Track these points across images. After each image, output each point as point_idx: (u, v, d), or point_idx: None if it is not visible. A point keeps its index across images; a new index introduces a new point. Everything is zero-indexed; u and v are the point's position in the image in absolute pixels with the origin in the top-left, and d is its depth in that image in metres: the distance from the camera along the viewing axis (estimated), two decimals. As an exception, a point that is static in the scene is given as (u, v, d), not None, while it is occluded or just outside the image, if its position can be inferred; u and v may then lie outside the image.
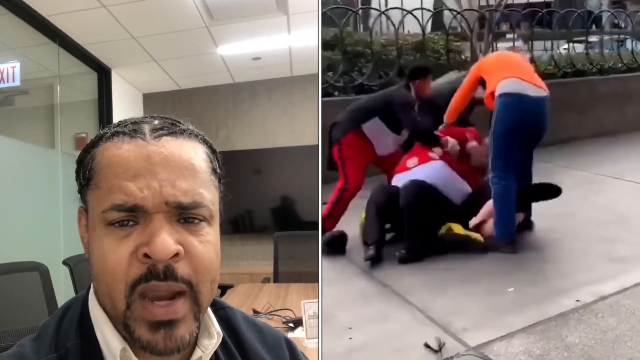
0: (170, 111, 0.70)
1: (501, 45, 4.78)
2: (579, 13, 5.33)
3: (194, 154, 0.64)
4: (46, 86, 4.08)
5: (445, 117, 3.10)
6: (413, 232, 2.77)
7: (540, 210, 2.97)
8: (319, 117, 2.46)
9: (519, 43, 4.81)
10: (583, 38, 5.29)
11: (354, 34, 4.51)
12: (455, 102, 3.06)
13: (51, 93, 4.03)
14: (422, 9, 4.35)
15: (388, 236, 2.93)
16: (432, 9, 4.58)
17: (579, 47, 5.27)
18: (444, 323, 2.18)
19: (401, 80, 3.23)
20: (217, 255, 0.64)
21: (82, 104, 4.47)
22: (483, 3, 5.07)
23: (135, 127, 0.64)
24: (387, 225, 2.92)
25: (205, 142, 0.68)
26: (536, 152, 2.94)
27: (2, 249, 2.94)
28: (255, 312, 2.46)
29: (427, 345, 2.02)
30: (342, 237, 2.94)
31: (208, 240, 0.62)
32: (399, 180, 2.93)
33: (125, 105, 4.77)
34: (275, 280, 3.46)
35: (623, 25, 5.73)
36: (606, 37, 5.51)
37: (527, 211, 2.96)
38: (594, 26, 5.71)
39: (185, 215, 0.61)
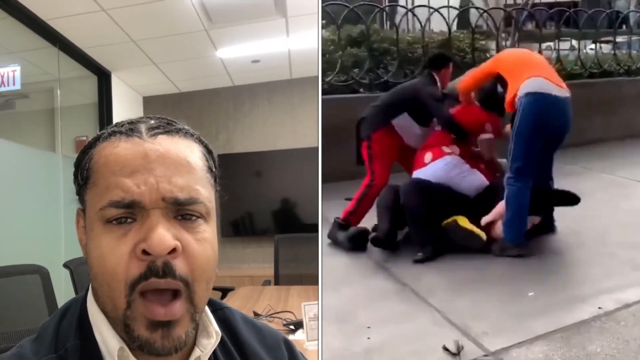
0: (170, 114, 0.71)
1: (525, 45, 4.73)
2: (607, 13, 5.31)
3: (189, 151, 0.65)
4: (46, 90, 4.09)
5: (457, 88, 3.01)
6: (416, 229, 2.79)
7: (563, 213, 2.90)
8: (319, 119, 2.46)
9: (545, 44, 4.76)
10: (610, 38, 5.26)
11: (381, 31, 4.52)
12: (465, 83, 2.98)
13: (51, 96, 4.04)
14: (448, 7, 4.36)
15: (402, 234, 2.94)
16: (458, 7, 4.58)
17: (606, 48, 5.24)
18: (463, 326, 2.14)
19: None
20: (214, 253, 0.64)
21: (82, 107, 4.48)
22: (510, 1, 5.06)
23: (131, 126, 0.64)
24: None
25: (200, 141, 0.68)
26: (561, 154, 2.86)
27: (3, 252, 2.95)
28: (256, 314, 2.46)
29: (445, 349, 1.98)
30: (364, 233, 2.94)
31: (205, 237, 0.63)
32: (417, 175, 2.96)
33: (125, 109, 4.77)
34: (276, 283, 3.45)
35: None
36: (634, 38, 5.48)
37: (542, 215, 2.88)
38: (623, 26, 5.67)
39: (182, 211, 0.61)
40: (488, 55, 4.69)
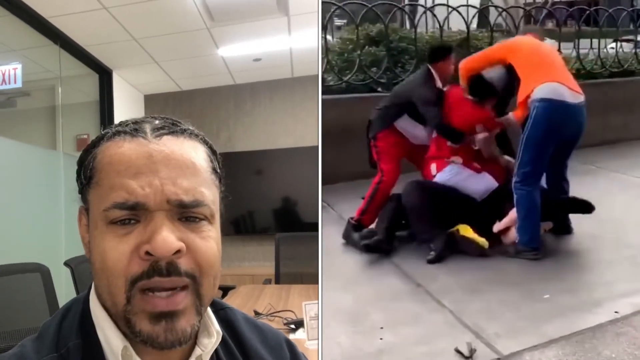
0: (171, 112, 0.70)
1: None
2: (628, 11, 5.26)
3: (194, 153, 0.64)
4: (48, 88, 4.09)
5: (460, 68, 2.95)
6: (420, 228, 2.80)
7: (580, 214, 2.85)
8: (319, 118, 2.46)
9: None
10: (631, 37, 5.20)
11: (399, 31, 4.51)
12: (469, 64, 2.92)
13: (53, 94, 4.04)
14: (467, 5, 4.32)
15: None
16: (477, 6, 4.55)
17: (627, 47, 5.19)
18: (476, 328, 2.12)
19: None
20: (219, 252, 0.64)
21: (83, 105, 4.48)
22: (529, 0, 5.01)
23: (136, 126, 0.64)
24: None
25: (205, 142, 0.68)
26: (580, 154, 2.79)
27: (4, 250, 2.95)
28: (257, 313, 2.46)
29: (457, 351, 1.97)
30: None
31: (210, 236, 0.63)
32: None
33: (126, 107, 4.77)
34: (277, 282, 3.46)
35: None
36: (656, 37, 5.40)
37: (555, 220, 2.86)
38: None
39: (186, 214, 0.61)
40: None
